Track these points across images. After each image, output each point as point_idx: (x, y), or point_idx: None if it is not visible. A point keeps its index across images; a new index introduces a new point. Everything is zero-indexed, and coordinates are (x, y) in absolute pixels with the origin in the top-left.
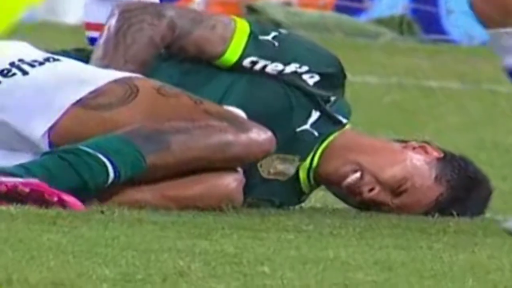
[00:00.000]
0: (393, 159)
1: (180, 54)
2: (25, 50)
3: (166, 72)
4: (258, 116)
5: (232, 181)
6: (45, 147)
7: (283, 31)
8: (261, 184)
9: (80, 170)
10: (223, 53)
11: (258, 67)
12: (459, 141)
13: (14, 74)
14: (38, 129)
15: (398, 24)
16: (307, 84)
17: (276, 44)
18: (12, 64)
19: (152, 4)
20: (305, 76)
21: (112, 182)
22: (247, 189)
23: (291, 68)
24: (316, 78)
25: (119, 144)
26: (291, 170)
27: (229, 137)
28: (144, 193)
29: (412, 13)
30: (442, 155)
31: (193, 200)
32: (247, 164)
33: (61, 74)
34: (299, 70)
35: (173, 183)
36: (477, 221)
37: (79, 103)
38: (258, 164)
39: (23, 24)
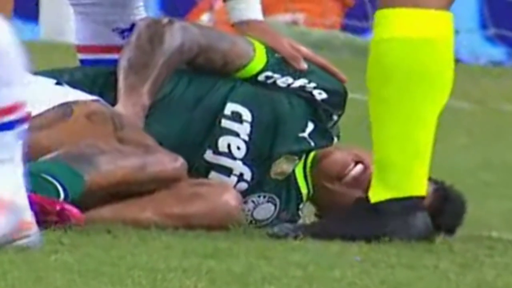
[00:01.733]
0: None
1: (206, 66)
2: None
3: (173, 78)
4: (262, 116)
5: (231, 199)
6: None
7: None
8: (268, 182)
9: (37, 192)
10: (245, 65)
11: (271, 81)
12: (465, 161)
13: None
14: None
15: None
16: (312, 95)
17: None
18: None
19: (177, 19)
20: (314, 92)
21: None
22: (256, 185)
23: (300, 82)
24: (324, 95)
25: (59, 167)
26: (290, 170)
27: (141, 159)
28: (146, 212)
29: None
30: None
31: (194, 218)
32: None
33: None
34: (308, 85)
35: (173, 201)
36: (484, 240)
37: None
38: (273, 164)
39: (29, 43)
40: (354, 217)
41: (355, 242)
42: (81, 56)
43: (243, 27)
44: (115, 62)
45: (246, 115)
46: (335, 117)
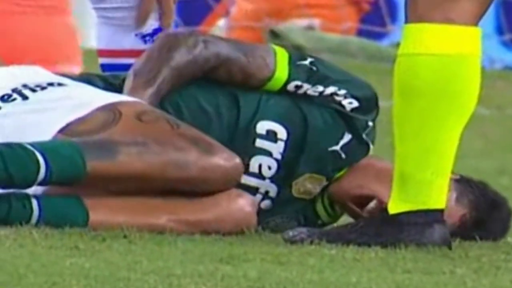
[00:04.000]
0: None
1: (227, 79)
2: (32, 75)
3: (192, 93)
4: (296, 133)
5: (246, 205)
6: None
7: (316, 57)
8: (291, 202)
9: (8, 162)
10: (269, 78)
11: (301, 91)
12: (481, 166)
13: (14, 99)
14: None
15: None
16: (343, 107)
17: (314, 68)
18: (14, 90)
19: (197, 31)
20: (344, 102)
21: (43, 181)
22: (278, 207)
23: (331, 90)
24: (355, 104)
25: (61, 146)
26: (317, 190)
27: (189, 157)
28: (161, 218)
29: None
30: (458, 177)
31: (208, 224)
32: (207, 188)
33: (56, 100)
34: (339, 92)
35: (188, 207)
36: (499, 245)
37: (65, 129)
38: (293, 183)
39: None
40: (371, 225)
41: (371, 248)
42: (102, 60)
43: None
44: None
45: (282, 133)
46: (370, 123)
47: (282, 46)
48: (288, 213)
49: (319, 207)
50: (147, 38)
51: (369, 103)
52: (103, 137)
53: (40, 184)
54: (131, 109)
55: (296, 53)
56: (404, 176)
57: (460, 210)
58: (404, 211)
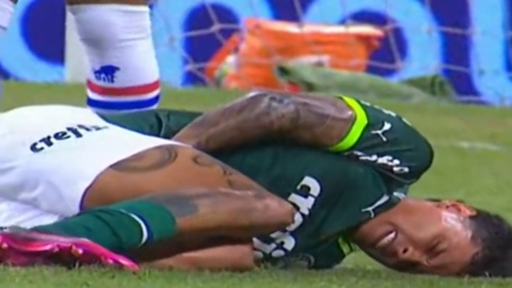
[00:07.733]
0: (428, 218)
1: (294, 140)
2: (89, 117)
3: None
4: (330, 189)
5: (243, 243)
6: (76, 206)
7: (395, 122)
8: (307, 246)
9: (117, 230)
10: (333, 145)
11: (354, 156)
12: (491, 203)
13: (68, 136)
14: (77, 189)
15: (430, 85)
16: (392, 172)
17: (384, 139)
18: (69, 128)
19: (286, 93)
20: (395, 168)
21: (145, 243)
22: (289, 257)
23: (383, 160)
24: (405, 170)
25: (151, 206)
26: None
27: (249, 204)
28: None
29: (443, 74)
30: (475, 213)
31: (205, 263)
32: (261, 234)
33: (108, 138)
34: (390, 163)
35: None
36: (510, 281)
37: (116, 165)
38: (320, 237)
39: (51, 86)
40: None
41: (386, 279)
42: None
43: None
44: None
45: (315, 188)
46: (406, 186)
47: (362, 109)
48: (298, 255)
49: (342, 242)
50: (97, 74)
51: (418, 171)
52: (177, 192)
53: (143, 246)
54: (187, 151)
55: (376, 119)
56: None
57: (473, 248)
58: None
